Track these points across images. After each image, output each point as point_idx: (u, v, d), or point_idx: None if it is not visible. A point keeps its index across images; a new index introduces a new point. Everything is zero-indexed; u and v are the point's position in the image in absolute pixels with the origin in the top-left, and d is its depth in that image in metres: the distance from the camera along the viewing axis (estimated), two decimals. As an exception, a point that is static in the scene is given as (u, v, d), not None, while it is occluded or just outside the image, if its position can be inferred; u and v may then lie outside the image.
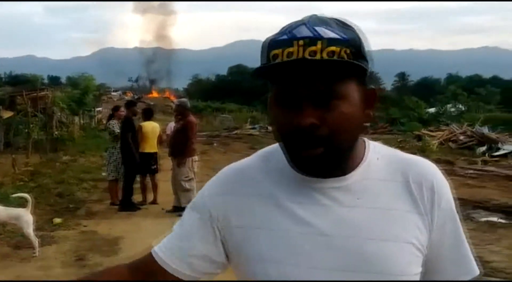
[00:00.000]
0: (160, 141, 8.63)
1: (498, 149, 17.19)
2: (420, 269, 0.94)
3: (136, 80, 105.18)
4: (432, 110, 34.61)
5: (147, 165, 8.34)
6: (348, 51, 0.85)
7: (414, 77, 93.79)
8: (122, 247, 6.01)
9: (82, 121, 25.04)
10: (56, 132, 18.12)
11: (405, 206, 0.93)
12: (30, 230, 5.69)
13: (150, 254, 1.02)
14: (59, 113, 19.59)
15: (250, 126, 33.71)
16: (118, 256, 5.64)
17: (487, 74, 79.10)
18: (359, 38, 0.88)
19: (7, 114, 17.37)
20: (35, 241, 5.70)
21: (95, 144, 17.98)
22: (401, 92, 68.01)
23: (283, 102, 0.88)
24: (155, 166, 8.56)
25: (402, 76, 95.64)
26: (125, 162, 8.13)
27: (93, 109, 29.13)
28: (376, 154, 0.98)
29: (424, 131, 22.52)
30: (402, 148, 11.18)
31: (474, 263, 1.00)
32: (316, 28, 0.86)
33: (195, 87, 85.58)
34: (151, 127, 8.49)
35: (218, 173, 1.04)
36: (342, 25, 0.88)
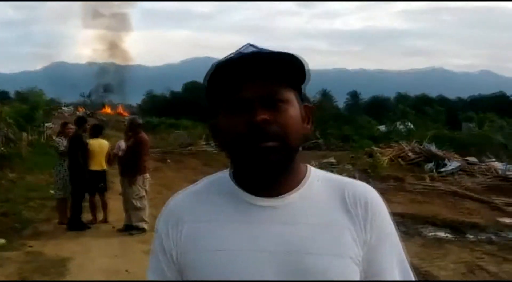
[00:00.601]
0: (108, 159, 8.39)
1: (444, 165, 17.83)
2: None
3: (89, 96, 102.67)
4: (382, 127, 35.64)
5: (94, 183, 8.12)
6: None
7: (365, 95, 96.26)
8: (70, 268, 5.78)
9: (30, 137, 24.11)
10: (2, 149, 17.40)
11: (343, 222, 0.99)
12: None
13: None
14: (5, 129, 18.85)
15: (204, 143, 33.51)
16: (66, 278, 5.44)
17: (433, 93, 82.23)
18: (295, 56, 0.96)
19: None
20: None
21: (44, 160, 17.32)
22: (353, 110, 69.73)
23: (234, 110, 0.96)
24: (102, 184, 8.32)
25: (354, 94, 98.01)
26: (72, 180, 7.88)
27: (42, 124, 28.20)
28: (316, 176, 1.05)
29: (375, 148, 23.09)
30: (354, 164, 11.49)
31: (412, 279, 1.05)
32: (260, 47, 0.98)
33: (149, 103, 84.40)
34: (98, 144, 8.27)
35: (167, 201, 1.10)
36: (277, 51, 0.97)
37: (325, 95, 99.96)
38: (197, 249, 0.99)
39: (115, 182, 9.47)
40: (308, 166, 1.07)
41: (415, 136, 26.59)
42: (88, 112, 67.05)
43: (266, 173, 0.96)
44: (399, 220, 8.98)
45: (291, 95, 0.98)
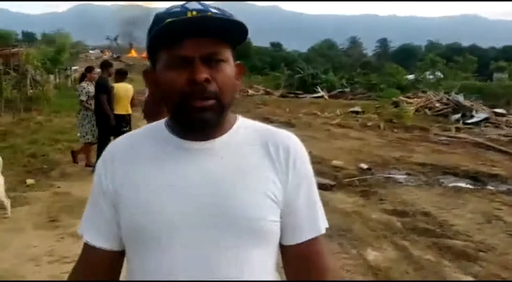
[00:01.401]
0: (132, 103, 8.45)
1: (472, 117, 17.48)
2: (276, 218, 1.07)
3: (115, 39, 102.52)
4: (411, 77, 34.80)
5: (119, 126, 8.23)
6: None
7: (395, 43, 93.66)
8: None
9: (57, 80, 24.47)
10: (30, 91, 17.72)
11: (262, 165, 1.07)
12: (0, 190, 5.63)
13: (85, 246, 1.16)
14: (33, 72, 19.09)
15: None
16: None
17: (465, 42, 79.36)
18: (234, 17, 1.03)
19: (-23, 71, 16.89)
20: (7, 202, 5.66)
21: (70, 103, 17.62)
22: (382, 58, 68.16)
23: (176, 64, 1.01)
24: (126, 128, 8.44)
25: (383, 42, 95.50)
26: (98, 124, 8.02)
27: (69, 68, 28.47)
28: (244, 124, 1.14)
29: (402, 97, 22.70)
30: (380, 114, 11.34)
31: (322, 222, 1.13)
32: (205, 3, 1.02)
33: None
34: (124, 88, 8.31)
35: (108, 145, 1.19)
36: (219, 8, 1.03)
37: (354, 43, 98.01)
38: (126, 185, 1.08)
39: (140, 126, 9.61)
40: (238, 116, 1.16)
41: (443, 87, 26.00)
42: (114, 56, 67.26)
43: (199, 129, 1.06)
44: (420, 170, 8.96)
45: (229, 54, 1.05)
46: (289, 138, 1.13)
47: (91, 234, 1.13)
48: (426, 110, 19.83)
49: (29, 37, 64.06)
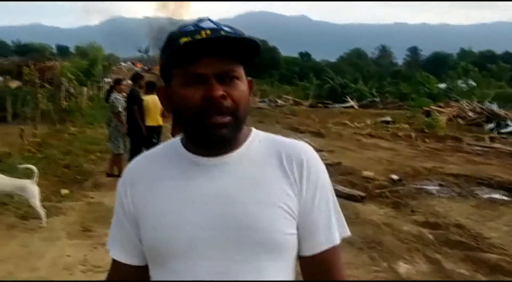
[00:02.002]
0: (163, 115, 8.55)
1: (506, 126, 17.06)
2: (292, 231, 1.08)
3: (146, 51, 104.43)
4: (442, 86, 34.22)
5: (150, 138, 8.36)
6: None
7: (426, 51, 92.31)
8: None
9: (90, 92, 25.05)
10: (64, 103, 18.20)
11: (276, 177, 1.09)
12: (36, 200, 5.79)
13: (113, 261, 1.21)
14: (67, 84, 19.62)
15: (259, 100, 33.60)
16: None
17: (499, 49, 77.60)
18: (245, 35, 1.06)
19: (14, 84, 17.44)
20: (42, 212, 5.81)
21: (102, 115, 18.01)
22: (412, 67, 67.26)
23: (191, 82, 1.03)
24: (157, 140, 8.57)
25: (414, 50, 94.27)
26: (131, 135, 8.17)
27: (101, 80, 29.13)
28: (258, 137, 1.15)
29: (433, 107, 22.35)
30: (411, 123, 11.19)
31: (338, 232, 1.13)
32: (217, 23, 1.05)
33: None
34: (153, 100, 8.44)
35: (127, 165, 1.23)
36: (231, 27, 1.06)
37: (384, 51, 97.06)
38: (146, 205, 1.11)
39: (171, 138, 9.76)
40: (253, 128, 1.17)
41: (476, 95, 25.49)
42: (146, 68, 68.42)
43: (216, 145, 1.07)
44: (453, 181, 8.78)
45: (242, 72, 1.07)
46: (302, 150, 1.14)
47: (117, 250, 1.19)
48: (459, 119, 19.48)
49: (63, 51, 65.89)
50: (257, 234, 1.04)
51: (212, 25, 1.03)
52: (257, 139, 1.14)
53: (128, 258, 1.18)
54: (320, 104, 32.91)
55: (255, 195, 1.06)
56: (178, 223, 1.07)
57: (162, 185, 1.11)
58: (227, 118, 1.03)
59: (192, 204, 1.07)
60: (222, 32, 1.02)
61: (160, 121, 8.56)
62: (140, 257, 1.17)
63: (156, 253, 1.10)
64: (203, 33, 1.01)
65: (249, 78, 1.13)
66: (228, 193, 1.06)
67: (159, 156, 1.17)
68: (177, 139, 1.18)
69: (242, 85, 1.07)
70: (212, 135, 1.04)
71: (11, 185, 5.91)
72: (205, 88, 1.02)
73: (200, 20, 1.06)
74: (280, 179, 1.09)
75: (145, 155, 1.22)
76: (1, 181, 5.89)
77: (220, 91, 1.01)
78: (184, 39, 1.00)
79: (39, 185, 6.03)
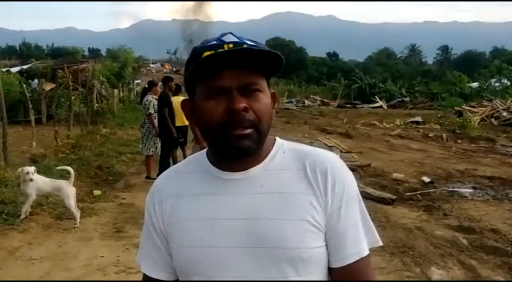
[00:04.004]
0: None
1: (543, 127, 16.56)
2: (320, 243, 1.08)
3: (174, 53, 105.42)
4: (475, 85, 33.41)
5: (176, 137, 8.51)
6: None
7: (457, 50, 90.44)
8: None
9: (121, 94, 25.47)
10: (96, 105, 18.55)
11: (301, 189, 1.08)
12: (71, 201, 5.93)
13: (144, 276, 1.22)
14: (99, 86, 19.99)
15: (287, 100, 33.50)
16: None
17: (535, 47, 75.32)
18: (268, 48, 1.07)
19: (49, 86, 17.87)
20: (77, 213, 5.94)
21: (133, 117, 18.32)
22: (443, 66, 66.03)
23: (214, 95, 1.04)
24: (182, 139, 8.72)
25: (444, 49, 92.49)
26: (162, 137, 8.28)
27: (132, 82, 29.54)
28: (282, 148, 1.15)
29: (465, 107, 21.86)
30: (442, 124, 10.91)
31: (365, 244, 1.12)
32: (240, 37, 1.07)
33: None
34: (178, 101, 8.55)
35: (155, 181, 1.24)
36: (253, 40, 1.08)
37: (413, 51, 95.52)
38: (174, 220, 1.13)
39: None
40: (277, 138, 1.17)
41: (510, 94, 24.80)
42: (174, 69, 69.13)
43: (238, 158, 1.08)
44: (487, 183, 8.57)
45: (264, 84, 1.08)
46: (327, 160, 1.12)
47: (147, 264, 1.20)
48: (492, 119, 19.01)
49: (94, 53, 67.18)
50: (284, 251, 1.05)
51: (234, 39, 1.05)
52: (281, 151, 1.14)
53: (158, 273, 1.19)
54: (348, 105, 32.63)
55: (281, 210, 1.06)
56: (205, 241, 1.08)
57: (190, 201, 1.12)
58: (249, 131, 1.04)
59: (219, 221, 1.08)
60: (245, 46, 1.03)
61: (185, 121, 8.67)
62: (171, 273, 1.18)
63: (186, 270, 1.12)
64: (225, 46, 1.03)
65: (272, 90, 1.14)
66: (254, 208, 1.07)
67: (185, 171, 1.18)
68: (202, 153, 1.19)
69: (265, 97, 1.07)
70: (235, 147, 1.05)
71: (49, 185, 6.10)
72: (228, 101, 1.03)
73: (223, 34, 1.07)
74: (306, 191, 1.08)
75: (172, 170, 1.24)
76: (41, 181, 6.08)
77: (242, 104, 1.02)
78: (207, 53, 1.02)
79: (73, 186, 6.17)
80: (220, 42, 1.04)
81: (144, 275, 1.22)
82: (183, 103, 1.17)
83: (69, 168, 6.41)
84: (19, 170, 6.09)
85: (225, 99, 1.03)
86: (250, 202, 1.07)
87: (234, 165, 1.10)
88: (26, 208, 5.89)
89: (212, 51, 1.02)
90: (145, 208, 1.21)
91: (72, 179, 6.17)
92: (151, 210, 1.18)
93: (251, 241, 1.05)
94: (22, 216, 5.83)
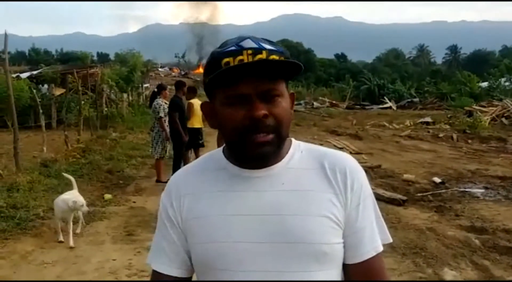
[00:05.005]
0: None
1: (554, 126, 16.40)
2: (339, 240, 1.11)
3: (183, 56, 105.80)
4: (484, 84, 33.17)
5: (194, 139, 8.58)
6: (283, 58, 1.07)
7: (466, 50, 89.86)
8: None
9: (130, 98, 25.59)
10: (105, 110, 18.65)
11: (322, 187, 1.11)
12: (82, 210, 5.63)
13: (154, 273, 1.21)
14: (108, 91, 20.10)
15: (295, 103, 33.40)
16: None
17: (545, 45, 74.62)
18: (287, 51, 1.11)
19: (59, 91, 18.01)
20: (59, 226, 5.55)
21: (143, 120, 18.39)
22: (452, 66, 65.64)
23: (234, 102, 1.06)
24: (202, 140, 8.81)
25: (453, 49, 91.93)
26: (173, 140, 8.34)
27: (140, 86, 29.67)
28: (300, 148, 1.18)
29: (475, 106, 21.72)
30: (452, 124, 10.84)
31: (380, 239, 1.16)
32: (258, 41, 1.07)
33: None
34: (197, 104, 8.62)
35: (170, 178, 1.24)
36: (271, 42, 1.10)
37: (422, 51, 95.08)
38: (194, 216, 1.13)
39: (209, 140, 9.91)
40: (293, 139, 1.20)
41: (521, 94, 24.60)
42: (182, 72, 69.38)
43: (259, 162, 1.10)
44: (499, 183, 8.50)
45: (283, 88, 1.09)
46: (345, 160, 1.16)
47: (160, 261, 1.19)
48: (503, 119, 18.86)
49: (103, 58, 67.54)
50: (308, 246, 1.07)
51: (253, 45, 1.05)
52: (298, 151, 1.17)
53: (171, 270, 1.18)
54: (357, 106, 32.56)
55: (302, 206, 1.09)
56: (226, 238, 1.09)
57: (209, 198, 1.13)
58: (270, 137, 1.06)
59: (241, 217, 1.09)
60: (264, 52, 1.04)
61: (202, 124, 8.76)
62: (184, 270, 1.19)
63: (208, 266, 1.12)
64: (244, 52, 1.04)
65: (291, 91, 1.15)
66: (276, 205, 1.09)
67: (202, 168, 1.20)
68: (218, 151, 1.20)
69: (284, 102, 1.09)
70: (255, 153, 1.07)
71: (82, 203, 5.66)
72: (248, 108, 1.05)
73: (241, 38, 1.08)
74: (326, 190, 1.11)
75: (188, 167, 1.25)
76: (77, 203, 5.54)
77: (262, 111, 1.04)
78: (226, 60, 1.04)
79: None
80: (239, 48, 1.05)
81: (155, 274, 1.21)
82: (202, 105, 1.18)
83: (70, 177, 6.31)
84: (71, 201, 5.44)
85: (245, 106, 1.05)
86: (272, 199, 1.09)
87: (254, 164, 1.12)
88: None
89: (231, 58, 1.04)
90: (160, 205, 1.21)
91: (75, 187, 6.05)
92: (168, 205, 1.18)
93: (274, 236, 1.07)
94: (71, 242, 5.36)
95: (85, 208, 5.60)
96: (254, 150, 1.06)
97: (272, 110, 1.06)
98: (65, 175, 6.73)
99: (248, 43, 1.06)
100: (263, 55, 1.04)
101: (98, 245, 5.47)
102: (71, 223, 5.50)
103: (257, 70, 1.03)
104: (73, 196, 5.60)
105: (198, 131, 8.69)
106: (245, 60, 1.03)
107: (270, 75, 1.05)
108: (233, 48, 1.06)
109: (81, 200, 5.58)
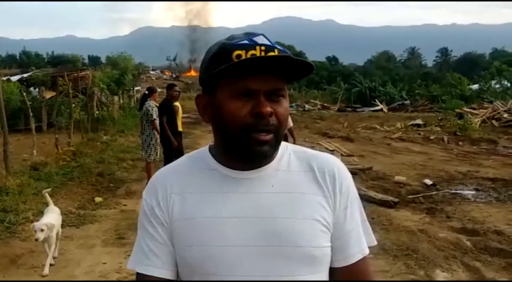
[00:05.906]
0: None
1: (544, 128, 16.54)
2: (328, 243, 1.10)
3: (174, 59, 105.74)
4: (475, 87, 33.40)
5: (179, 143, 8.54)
6: None
7: (456, 52, 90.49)
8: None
9: (121, 101, 25.48)
10: (96, 113, 18.55)
11: (311, 190, 1.10)
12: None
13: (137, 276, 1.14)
14: (99, 94, 20.00)
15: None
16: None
17: (534, 48, 75.28)
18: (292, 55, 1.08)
19: (49, 94, 17.87)
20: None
21: (134, 123, 18.31)
22: (443, 69, 66.08)
23: (240, 96, 1.04)
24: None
25: (444, 51, 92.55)
26: (163, 142, 8.28)
27: (132, 88, 29.54)
28: (288, 150, 1.16)
29: (466, 109, 21.86)
30: (443, 126, 10.90)
31: (365, 244, 1.16)
32: (270, 40, 1.06)
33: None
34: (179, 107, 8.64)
35: (152, 176, 1.20)
36: (281, 45, 1.08)
37: (413, 54, 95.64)
38: (182, 217, 1.10)
39: (199, 143, 9.87)
40: (282, 141, 1.16)
41: (511, 96, 24.81)
42: (174, 75, 69.31)
43: (255, 161, 1.09)
44: (490, 185, 8.55)
45: (286, 90, 1.09)
46: (334, 162, 1.16)
47: (148, 264, 1.11)
48: (493, 121, 18.99)
49: (94, 61, 67.27)
50: (297, 250, 1.06)
51: (266, 42, 1.05)
52: (287, 152, 1.15)
53: (164, 272, 1.11)
54: (348, 109, 32.65)
55: (293, 209, 1.07)
56: (218, 240, 1.06)
57: (198, 198, 1.09)
58: (270, 136, 1.05)
59: (229, 219, 1.06)
60: (276, 50, 1.04)
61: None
62: (174, 271, 1.12)
63: (197, 269, 1.07)
64: (257, 48, 1.03)
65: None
66: (266, 207, 1.07)
67: (189, 168, 1.15)
68: (204, 151, 1.17)
69: (286, 103, 1.08)
70: (254, 151, 1.05)
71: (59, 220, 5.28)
72: (254, 104, 1.03)
73: (253, 34, 1.06)
74: (315, 192, 1.10)
75: (173, 166, 1.19)
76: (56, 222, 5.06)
77: (269, 109, 1.03)
78: (238, 52, 1.02)
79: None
80: (253, 43, 1.04)
81: (139, 276, 1.12)
82: (198, 97, 1.14)
83: (44, 193, 5.63)
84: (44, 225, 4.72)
85: (251, 101, 1.03)
86: (261, 201, 1.07)
87: (244, 164, 1.10)
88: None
89: (243, 51, 1.02)
90: (143, 204, 1.14)
91: (51, 203, 5.43)
92: (154, 204, 1.12)
93: (264, 240, 1.05)
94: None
95: (57, 229, 5.02)
96: (254, 147, 1.04)
97: (277, 109, 1.05)
98: (44, 193, 5.65)
99: (262, 39, 1.05)
100: (275, 53, 1.03)
101: (88, 248, 5.43)
102: (53, 247, 4.91)
103: (270, 67, 1.02)
104: (47, 220, 4.93)
105: (180, 134, 8.61)
106: (258, 55, 1.02)
107: (281, 74, 1.05)
108: (246, 42, 1.04)
109: (50, 222, 4.86)
